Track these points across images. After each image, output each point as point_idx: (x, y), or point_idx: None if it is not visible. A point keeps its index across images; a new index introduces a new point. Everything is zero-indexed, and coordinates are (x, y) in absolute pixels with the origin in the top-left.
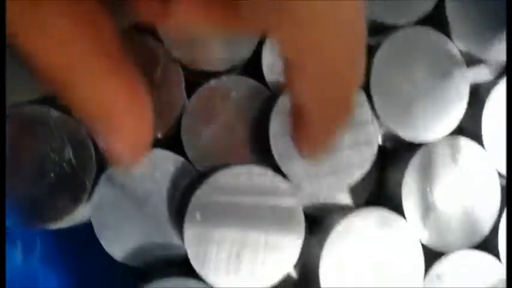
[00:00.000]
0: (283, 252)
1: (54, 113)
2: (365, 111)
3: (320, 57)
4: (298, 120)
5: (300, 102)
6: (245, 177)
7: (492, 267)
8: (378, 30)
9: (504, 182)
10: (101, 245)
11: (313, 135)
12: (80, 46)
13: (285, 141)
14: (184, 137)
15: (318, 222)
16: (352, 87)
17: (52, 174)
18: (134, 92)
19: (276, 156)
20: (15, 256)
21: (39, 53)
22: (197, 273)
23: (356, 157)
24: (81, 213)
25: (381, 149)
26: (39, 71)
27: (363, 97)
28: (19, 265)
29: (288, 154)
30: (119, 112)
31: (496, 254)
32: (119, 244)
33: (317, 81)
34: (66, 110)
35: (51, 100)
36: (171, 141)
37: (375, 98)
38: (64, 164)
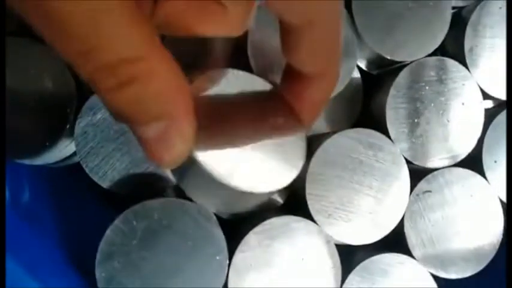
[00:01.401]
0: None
1: (32, 42)
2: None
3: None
4: (299, 86)
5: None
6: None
7: (476, 184)
8: None
9: (490, 103)
10: (86, 180)
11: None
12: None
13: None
14: None
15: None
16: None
17: (32, 104)
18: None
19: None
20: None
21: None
22: (184, 196)
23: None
24: (63, 147)
25: (366, 75)
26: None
27: (345, 17)
28: (9, 205)
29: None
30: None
31: (481, 172)
32: (104, 171)
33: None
34: (44, 41)
35: (28, 31)
36: None
37: (356, 18)
38: (44, 94)
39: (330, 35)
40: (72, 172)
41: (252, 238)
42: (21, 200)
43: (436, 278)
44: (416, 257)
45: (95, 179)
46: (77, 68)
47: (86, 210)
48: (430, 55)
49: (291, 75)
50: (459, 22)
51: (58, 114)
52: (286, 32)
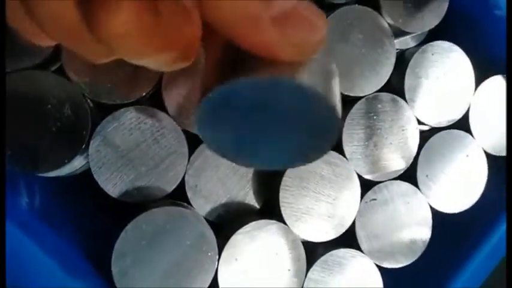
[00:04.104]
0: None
1: (53, 76)
2: None
3: None
4: None
5: None
6: None
7: (411, 193)
8: (326, 7)
9: (424, 127)
10: (95, 189)
11: None
12: None
13: None
14: (165, 95)
15: None
16: None
17: (54, 128)
18: None
19: None
20: (20, 203)
21: None
22: (182, 204)
23: None
24: (77, 162)
25: None
26: None
27: None
28: (23, 210)
29: None
30: None
31: (415, 183)
32: (114, 183)
33: None
34: (63, 73)
35: (50, 64)
36: (155, 99)
37: None
38: (64, 119)
39: None
40: (81, 182)
41: (237, 238)
42: (36, 206)
43: (380, 268)
44: (364, 251)
45: (106, 189)
46: None
47: (96, 216)
48: (378, 91)
49: None
50: (401, 63)
51: (75, 136)
52: None
